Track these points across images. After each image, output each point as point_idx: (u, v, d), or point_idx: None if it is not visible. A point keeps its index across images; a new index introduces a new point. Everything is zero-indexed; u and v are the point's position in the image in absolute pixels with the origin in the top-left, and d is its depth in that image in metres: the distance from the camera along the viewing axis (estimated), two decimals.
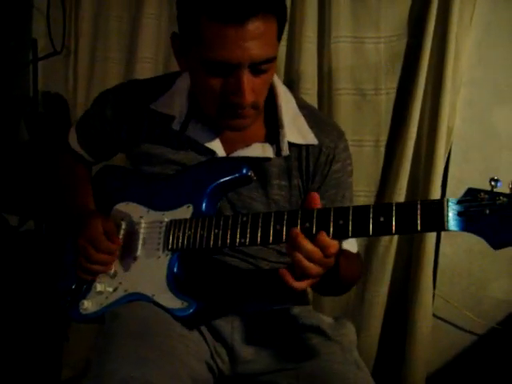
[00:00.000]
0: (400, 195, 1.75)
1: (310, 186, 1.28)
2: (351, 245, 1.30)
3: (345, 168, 1.30)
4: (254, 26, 1.02)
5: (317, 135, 1.26)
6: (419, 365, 1.81)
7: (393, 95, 1.77)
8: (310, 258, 0.98)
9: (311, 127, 1.26)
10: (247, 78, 1.07)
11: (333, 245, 0.99)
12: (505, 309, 1.85)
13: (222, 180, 1.20)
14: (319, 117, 1.34)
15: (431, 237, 1.75)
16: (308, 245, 0.98)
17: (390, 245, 1.80)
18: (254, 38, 1.03)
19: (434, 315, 1.87)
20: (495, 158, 1.77)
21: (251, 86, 1.08)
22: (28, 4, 2.13)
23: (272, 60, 1.09)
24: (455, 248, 1.85)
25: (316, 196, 1.04)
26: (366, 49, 1.76)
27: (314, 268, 0.99)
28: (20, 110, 2.11)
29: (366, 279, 1.84)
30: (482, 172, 1.77)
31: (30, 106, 2.08)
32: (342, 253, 1.18)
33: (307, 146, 1.26)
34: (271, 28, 1.06)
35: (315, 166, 1.26)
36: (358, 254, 1.34)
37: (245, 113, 1.12)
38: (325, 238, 0.98)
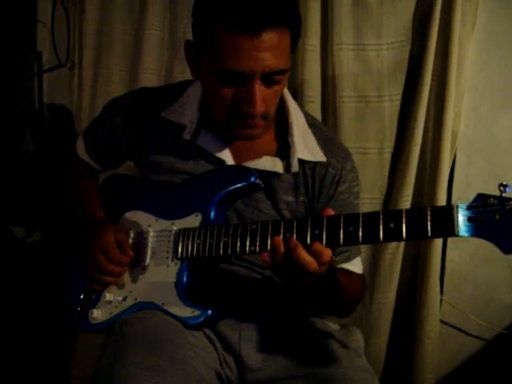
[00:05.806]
0: (406, 201, 1.74)
1: (315, 205, 1.28)
2: (356, 266, 1.31)
3: (351, 189, 1.30)
4: (269, 37, 1.03)
5: (325, 155, 1.27)
6: (427, 370, 1.80)
7: (396, 102, 1.76)
8: (306, 268, 0.98)
9: (319, 146, 1.27)
10: (259, 89, 1.07)
11: (326, 253, 0.98)
12: None
13: (230, 188, 1.20)
14: (328, 136, 1.34)
15: (437, 243, 1.74)
16: (307, 257, 0.97)
17: (396, 251, 1.79)
18: (268, 48, 1.04)
19: (441, 321, 1.86)
20: (500, 162, 1.76)
21: (262, 97, 1.09)
22: (32, 17, 2.15)
23: (284, 72, 1.10)
24: (461, 253, 1.84)
25: (331, 212, 1.03)
26: (368, 56, 1.76)
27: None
28: (26, 122, 2.13)
29: (374, 286, 1.84)
30: (488, 176, 1.77)
31: (36, 119, 2.09)
32: (345, 272, 1.20)
33: (315, 163, 1.26)
34: (285, 40, 1.08)
35: (321, 185, 1.27)
36: (362, 275, 1.34)
37: (255, 123, 1.13)
38: (319, 246, 0.98)
